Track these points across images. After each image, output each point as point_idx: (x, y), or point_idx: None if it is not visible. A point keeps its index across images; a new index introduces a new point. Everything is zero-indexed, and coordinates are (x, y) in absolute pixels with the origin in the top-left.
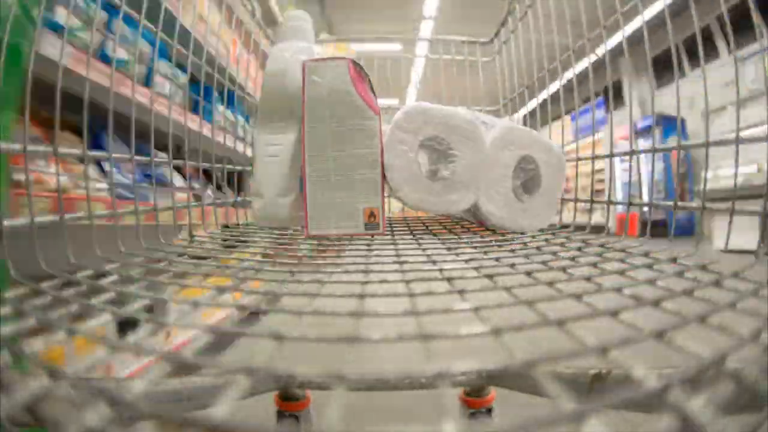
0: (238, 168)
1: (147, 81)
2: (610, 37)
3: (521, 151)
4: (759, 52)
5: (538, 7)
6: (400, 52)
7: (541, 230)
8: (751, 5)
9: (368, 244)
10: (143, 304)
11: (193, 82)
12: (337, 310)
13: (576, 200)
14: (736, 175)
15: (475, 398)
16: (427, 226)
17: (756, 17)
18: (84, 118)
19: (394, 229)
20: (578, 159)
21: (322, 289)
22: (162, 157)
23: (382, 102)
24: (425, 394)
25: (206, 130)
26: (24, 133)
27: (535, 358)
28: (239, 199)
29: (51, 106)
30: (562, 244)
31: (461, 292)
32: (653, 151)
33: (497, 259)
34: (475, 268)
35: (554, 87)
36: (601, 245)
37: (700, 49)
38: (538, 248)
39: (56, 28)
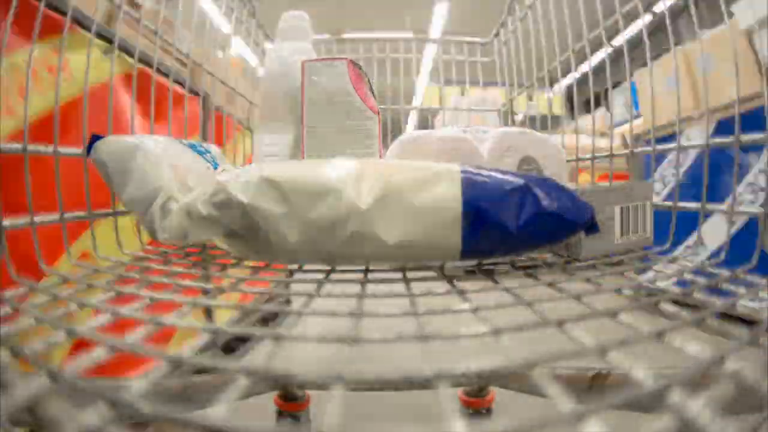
0: None
1: None
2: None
3: (520, 153)
4: None
5: (537, 7)
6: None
7: None
8: None
9: None
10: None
11: None
12: (337, 310)
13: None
14: (736, 175)
15: (475, 398)
16: None
17: None
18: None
19: None
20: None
21: (321, 289)
22: None
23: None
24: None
25: None
26: (24, 132)
27: (534, 358)
28: None
29: None
30: None
31: (461, 292)
32: (653, 151)
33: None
34: (475, 268)
35: (555, 88)
36: None
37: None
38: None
39: None
